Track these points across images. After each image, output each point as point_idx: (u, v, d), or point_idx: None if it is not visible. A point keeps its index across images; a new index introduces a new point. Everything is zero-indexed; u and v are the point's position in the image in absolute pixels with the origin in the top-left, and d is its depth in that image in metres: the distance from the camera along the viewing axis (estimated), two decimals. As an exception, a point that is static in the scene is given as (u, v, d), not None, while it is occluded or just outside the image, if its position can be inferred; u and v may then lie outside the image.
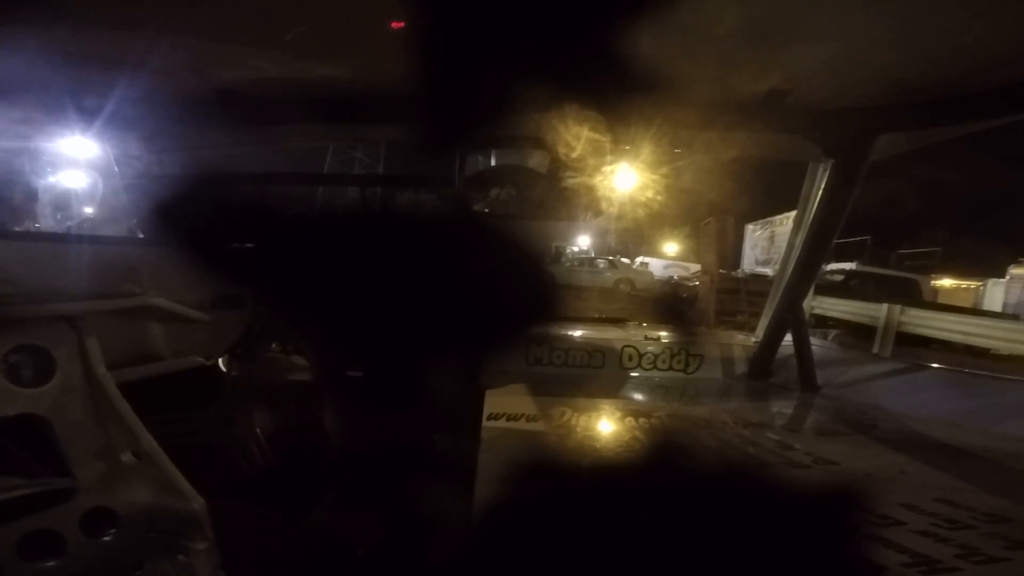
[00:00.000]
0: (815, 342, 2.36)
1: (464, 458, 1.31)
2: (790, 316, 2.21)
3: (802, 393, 2.15)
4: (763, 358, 2.31)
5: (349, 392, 2.02)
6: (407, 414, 1.72)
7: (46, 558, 1.10)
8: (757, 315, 2.61)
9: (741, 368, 2.36)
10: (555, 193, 1.99)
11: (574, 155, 1.73)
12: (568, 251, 17.00)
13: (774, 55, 1.42)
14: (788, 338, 2.24)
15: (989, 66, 1.37)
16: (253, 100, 1.79)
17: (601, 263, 16.43)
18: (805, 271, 2.14)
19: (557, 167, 1.91)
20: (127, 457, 1.22)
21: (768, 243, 14.57)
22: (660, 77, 1.24)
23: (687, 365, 2.34)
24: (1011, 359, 6.22)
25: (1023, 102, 1.46)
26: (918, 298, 10.73)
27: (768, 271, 11.69)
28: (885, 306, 7.24)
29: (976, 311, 10.54)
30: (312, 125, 2.07)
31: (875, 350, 5.98)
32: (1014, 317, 9.59)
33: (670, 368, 2.34)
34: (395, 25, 1.28)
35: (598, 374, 2.29)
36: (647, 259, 19.36)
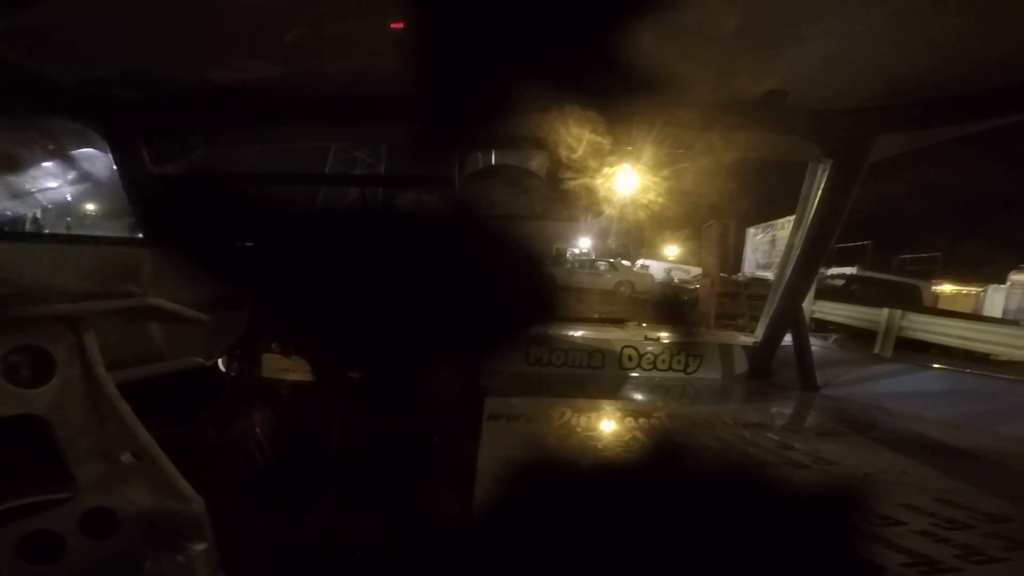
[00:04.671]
0: (815, 343, 2.36)
1: (464, 458, 1.31)
2: (790, 316, 2.21)
3: (802, 393, 2.15)
4: (763, 358, 2.31)
5: (349, 392, 2.02)
6: (407, 414, 1.71)
7: (46, 558, 1.10)
8: (757, 319, 2.60)
9: (741, 368, 2.35)
10: (556, 194, 1.99)
11: (575, 156, 1.73)
12: (569, 253, 17.00)
13: (774, 55, 1.42)
14: (788, 339, 2.24)
15: (989, 66, 1.38)
16: (253, 100, 1.80)
17: (601, 265, 16.40)
18: (805, 271, 2.13)
19: (558, 168, 1.91)
20: (127, 457, 1.22)
21: (769, 247, 14.54)
22: (660, 78, 1.24)
23: (687, 365, 2.34)
24: (1011, 364, 6.22)
25: (1023, 102, 1.46)
26: (919, 303, 10.72)
27: (769, 275, 11.65)
28: (886, 311, 7.24)
29: (977, 316, 10.53)
30: (312, 125, 2.07)
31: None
32: (1014, 323, 9.58)
33: (670, 368, 2.33)
34: (395, 25, 1.29)
35: (598, 374, 2.29)
36: (648, 261, 19.33)
